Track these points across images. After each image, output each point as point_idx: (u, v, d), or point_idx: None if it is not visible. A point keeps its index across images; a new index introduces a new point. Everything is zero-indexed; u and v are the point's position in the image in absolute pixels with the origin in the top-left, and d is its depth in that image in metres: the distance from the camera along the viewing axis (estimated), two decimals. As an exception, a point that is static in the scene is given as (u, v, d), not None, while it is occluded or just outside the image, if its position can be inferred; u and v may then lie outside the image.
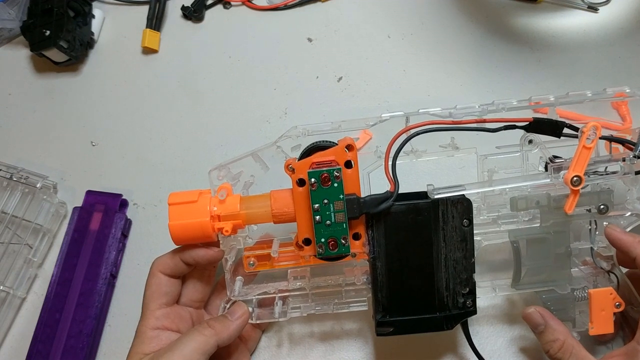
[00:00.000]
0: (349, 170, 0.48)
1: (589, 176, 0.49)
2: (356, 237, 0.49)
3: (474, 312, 0.50)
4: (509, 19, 0.70)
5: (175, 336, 0.49)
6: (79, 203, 0.64)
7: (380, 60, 0.70)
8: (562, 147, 0.51)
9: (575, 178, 0.48)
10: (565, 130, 0.50)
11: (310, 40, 0.72)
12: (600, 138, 0.48)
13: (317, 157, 0.48)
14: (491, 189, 0.50)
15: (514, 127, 0.50)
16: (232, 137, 0.67)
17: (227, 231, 0.49)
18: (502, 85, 0.67)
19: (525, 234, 0.51)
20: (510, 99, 0.51)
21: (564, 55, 0.68)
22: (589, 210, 0.50)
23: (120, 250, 0.63)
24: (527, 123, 0.50)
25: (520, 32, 0.70)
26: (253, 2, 0.74)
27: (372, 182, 0.53)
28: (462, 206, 0.49)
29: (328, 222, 0.48)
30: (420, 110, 0.51)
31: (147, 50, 0.73)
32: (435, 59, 0.69)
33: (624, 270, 0.52)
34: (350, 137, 0.48)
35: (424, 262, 0.49)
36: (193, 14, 0.74)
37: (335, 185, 0.47)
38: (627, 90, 0.52)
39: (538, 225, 0.51)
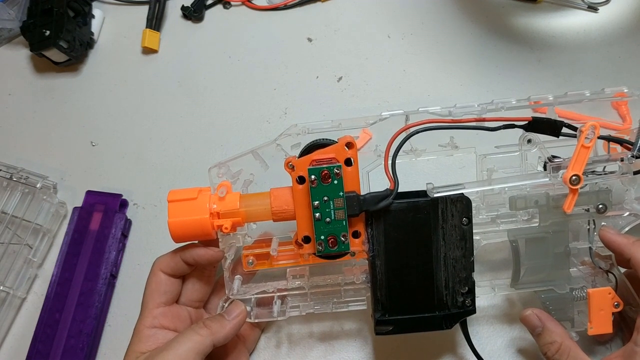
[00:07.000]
0: (349, 167, 0.48)
1: (587, 176, 0.49)
2: (356, 235, 0.49)
3: (473, 311, 0.50)
4: (509, 19, 0.71)
5: (173, 335, 0.49)
6: (79, 203, 0.64)
7: (380, 60, 0.70)
8: (561, 147, 0.51)
9: (574, 177, 0.47)
10: (564, 130, 0.50)
11: (310, 40, 0.72)
12: (598, 138, 0.48)
13: (317, 154, 0.48)
14: (490, 187, 0.50)
15: (513, 126, 0.50)
16: (232, 137, 0.67)
17: (226, 228, 0.49)
18: (502, 85, 0.67)
19: (524, 233, 0.51)
20: (510, 99, 0.51)
21: (563, 55, 0.68)
22: (588, 210, 0.50)
23: (120, 250, 0.63)
24: (526, 122, 0.50)
25: (520, 32, 0.70)
26: (253, 2, 0.75)
27: (371, 182, 0.53)
28: (462, 204, 0.49)
29: (328, 219, 0.48)
30: (420, 109, 0.51)
31: (147, 50, 0.73)
32: (435, 59, 0.69)
33: (623, 270, 0.52)
34: (350, 135, 0.48)
35: (424, 261, 0.49)
36: (193, 14, 0.74)
37: (335, 182, 0.47)
38: (625, 90, 0.52)
39: (537, 224, 0.51)
